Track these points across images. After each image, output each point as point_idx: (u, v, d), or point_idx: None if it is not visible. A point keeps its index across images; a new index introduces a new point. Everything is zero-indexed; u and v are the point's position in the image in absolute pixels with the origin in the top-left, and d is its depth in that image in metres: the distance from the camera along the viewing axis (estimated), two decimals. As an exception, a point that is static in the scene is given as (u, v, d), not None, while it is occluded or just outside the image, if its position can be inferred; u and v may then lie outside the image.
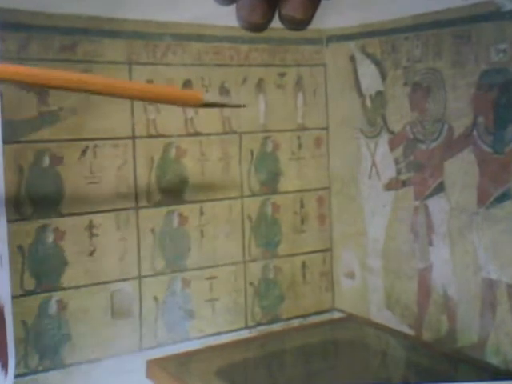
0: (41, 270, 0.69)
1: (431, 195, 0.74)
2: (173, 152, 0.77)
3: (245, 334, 0.80)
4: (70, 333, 0.71)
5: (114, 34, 0.73)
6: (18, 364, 0.67)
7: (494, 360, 0.67)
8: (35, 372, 0.69)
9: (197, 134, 0.79)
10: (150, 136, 0.76)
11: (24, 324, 0.68)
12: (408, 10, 0.74)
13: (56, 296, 0.70)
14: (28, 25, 0.68)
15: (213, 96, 0.61)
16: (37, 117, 0.69)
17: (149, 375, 0.72)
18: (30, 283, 0.68)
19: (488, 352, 0.67)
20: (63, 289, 0.70)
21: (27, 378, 0.68)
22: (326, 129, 0.87)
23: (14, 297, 0.67)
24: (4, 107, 0.66)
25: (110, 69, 0.73)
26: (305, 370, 0.72)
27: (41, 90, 0.68)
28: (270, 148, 0.84)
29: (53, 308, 0.70)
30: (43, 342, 0.69)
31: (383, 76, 0.79)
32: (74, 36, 0.71)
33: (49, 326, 0.69)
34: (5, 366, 0.67)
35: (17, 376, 0.67)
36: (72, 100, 0.70)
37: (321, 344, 0.79)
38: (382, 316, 0.80)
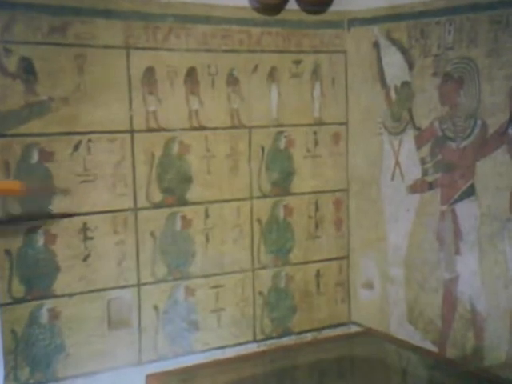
0: (31, 276, 0.66)
1: (460, 199, 0.69)
2: (175, 148, 0.74)
3: (253, 348, 0.78)
4: (63, 344, 0.68)
5: (109, 13, 0.68)
6: (6, 377, 0.64)
7: (523, 380, 0.62)
8: (25, 385, 0.66)
9: (202, 127, 0.75)
10: (151, 130, 0.72)
11: (13, 334, 0.65)
12: (440, -10, 0.67)
13: (48, 304, 0.67)
14: (12, 2, 0.63)
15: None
16: (24, 107, 0.65)
17: (148, 391, 0.67)
18: (19, 290, 0.66)
19: (517, 371, 0.63)
20: (55, 296, 0.67)
21: (17, 391, 0.65)
22: (346, 123, 0.83)
23: (1, 305, 0.64)
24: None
25: (105, 54, 0.68)
26: (318, 388, 0.66)
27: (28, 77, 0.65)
28: (282, 144, 0.80)
29: (44, 317, 0.67)
30: (34, 354, 0.66)
31: (410, 65, 0.74)
32: (65, 16, 0.66)
33: (40, 336, 0.67)
34: (-8, 379, 0.63)
35: (5, 389, 0.63)
36: (63, 89, 0.66)
37: (336, 360, 0.75)
38: (402, 331, 0.77)
